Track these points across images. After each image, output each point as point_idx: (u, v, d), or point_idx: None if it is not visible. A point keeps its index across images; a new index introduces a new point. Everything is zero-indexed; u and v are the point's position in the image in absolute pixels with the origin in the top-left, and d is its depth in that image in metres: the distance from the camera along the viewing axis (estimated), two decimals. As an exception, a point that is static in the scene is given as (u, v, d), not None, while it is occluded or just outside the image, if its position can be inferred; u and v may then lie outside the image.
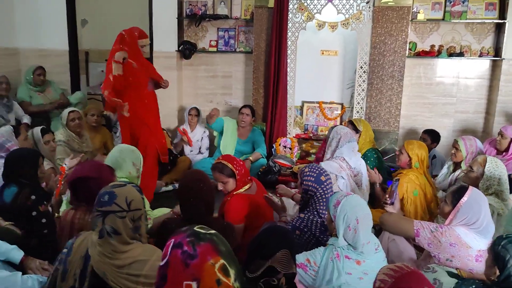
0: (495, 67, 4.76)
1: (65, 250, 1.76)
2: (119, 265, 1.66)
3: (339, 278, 1.85)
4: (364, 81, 4.74)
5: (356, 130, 3.83)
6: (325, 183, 2.53)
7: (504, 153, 3.75)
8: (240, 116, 4.76)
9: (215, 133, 4.93)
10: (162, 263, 1.20)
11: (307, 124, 5.30)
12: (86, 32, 5.63)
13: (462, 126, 4.99)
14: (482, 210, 2.16)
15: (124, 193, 1.71)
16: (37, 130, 3.55)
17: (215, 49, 5.29)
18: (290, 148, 4.92)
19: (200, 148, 5.08)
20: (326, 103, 5.26)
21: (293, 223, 2.47)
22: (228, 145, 4.75)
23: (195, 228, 1.24)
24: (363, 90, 4.77)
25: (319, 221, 2.46)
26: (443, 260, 2.16)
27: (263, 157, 4.72)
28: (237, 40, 5.25)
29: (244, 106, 4.82)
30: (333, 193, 2.48)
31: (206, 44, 5.33)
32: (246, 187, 2.81)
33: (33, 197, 2.50)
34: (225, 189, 2.77)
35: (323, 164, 3.13)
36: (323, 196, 2.51)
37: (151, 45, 5.18)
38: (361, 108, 4.82)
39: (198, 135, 5.06)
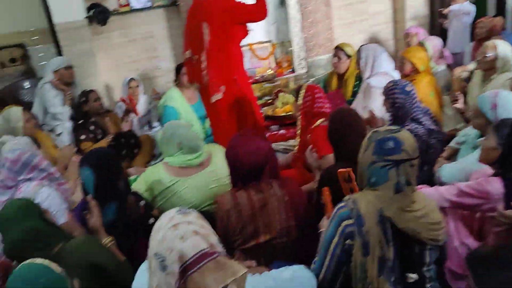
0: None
1: (350, 222, 1.49)
2: (419, 215, 1.50)
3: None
4: (297, 11, 4.80)
5: (348, 56, 3.91)
6: (412, 93, 2.63)
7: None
8: (183, 78, 4.26)
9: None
10: None
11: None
12: None
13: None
14: None
15: (407, 138, 1.50)
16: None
17: (128, 8, 4.57)
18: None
19: (149, 122, 4.50)
20: (255, 43, 5.17)
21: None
22: (191, 117, 4.23)
23: None
24: (298, 21, 4.84)
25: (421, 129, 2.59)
26: None
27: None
28: (151, -7, 4.63)
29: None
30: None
31: (114, 5, 4.55)
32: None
33: (142, 203, 1.99)
34: None
35: (372, 81, 3.19)
36: (412, 106, 2.61)
37: (49, 17, 4.20)
38: (300, 39, 4.91)
39: (144, 109, 4.44)
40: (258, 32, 5.14)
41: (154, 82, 4.88)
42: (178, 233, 1.22)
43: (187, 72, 3.26)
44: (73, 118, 3.92)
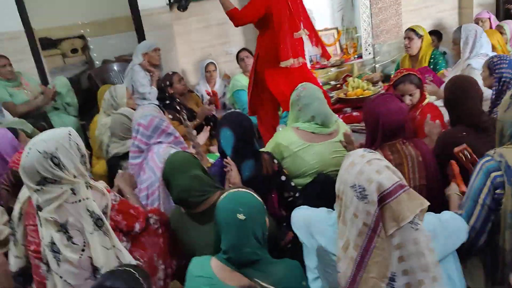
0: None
1: (499, 173, 1.59)
2: None
3: None
4: (367, -1, 4.90)
5: (419, 36, 4.01)
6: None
7: None
8: (242, 63, 4.46)
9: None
10: None
11: (310, 55, 5.28)
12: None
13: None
14: None
15: None
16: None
17: (204, -5, 4.76)
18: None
19: (225, 104, 4.69)
20: (321, 30, 5.28)
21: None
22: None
23: None
24: (367, 7, 4.93)
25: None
26: None
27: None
28: (226, -20, 4.79)
29: (242, 50, 4.54)
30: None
31: (191, -8, 4.74)
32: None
33: (275, 161, 2.14)
34: (412, 102, 2.68)
35: (473, 62, 3.26)
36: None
37: (134, 2, 4.42)
38: (368, 25, 5.00)
39: (220, 92, 4.64)
40: (323, 19, 5.27)
41: (224, 67, 5.05)
42: (373, 167, 1.36)
43: (295, 47, 3.46)
44: (158, 98, 4.12)
